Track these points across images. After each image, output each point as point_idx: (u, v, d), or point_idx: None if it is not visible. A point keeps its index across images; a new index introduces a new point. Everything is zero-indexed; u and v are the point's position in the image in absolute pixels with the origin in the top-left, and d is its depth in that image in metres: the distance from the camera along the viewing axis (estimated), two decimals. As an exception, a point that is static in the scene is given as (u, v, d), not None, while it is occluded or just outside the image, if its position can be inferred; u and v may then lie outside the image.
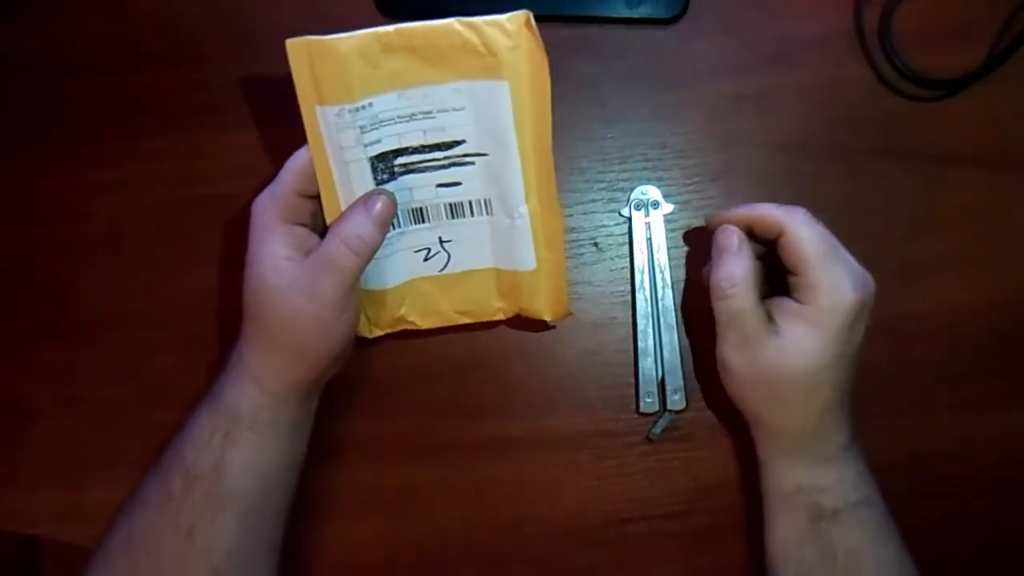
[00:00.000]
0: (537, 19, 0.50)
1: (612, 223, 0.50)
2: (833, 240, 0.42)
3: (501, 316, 0.48)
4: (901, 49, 0.50)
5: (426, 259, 0.46)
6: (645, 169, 0.50)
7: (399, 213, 0.44)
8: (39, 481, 0.49)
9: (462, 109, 0.43)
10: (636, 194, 0.50)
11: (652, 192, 0.50)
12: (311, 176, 0.42)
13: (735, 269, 0.42)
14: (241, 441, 0.40)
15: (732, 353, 0.42)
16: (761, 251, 0.44)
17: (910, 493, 0.48)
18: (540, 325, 0.48)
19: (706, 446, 0.49)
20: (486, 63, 0.42)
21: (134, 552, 0.40)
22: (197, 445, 0.40)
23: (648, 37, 0.51)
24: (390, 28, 0.41)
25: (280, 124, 0.50)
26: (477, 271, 0.47)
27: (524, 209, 0.44)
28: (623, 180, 0.50)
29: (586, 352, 0.50)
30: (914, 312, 0.49)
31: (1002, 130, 0.50)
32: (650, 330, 0.49)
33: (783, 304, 0.42)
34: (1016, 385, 0.49)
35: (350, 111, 0.41)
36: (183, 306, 0.50)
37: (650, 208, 0.49)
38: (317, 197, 0.43)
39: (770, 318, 0.42)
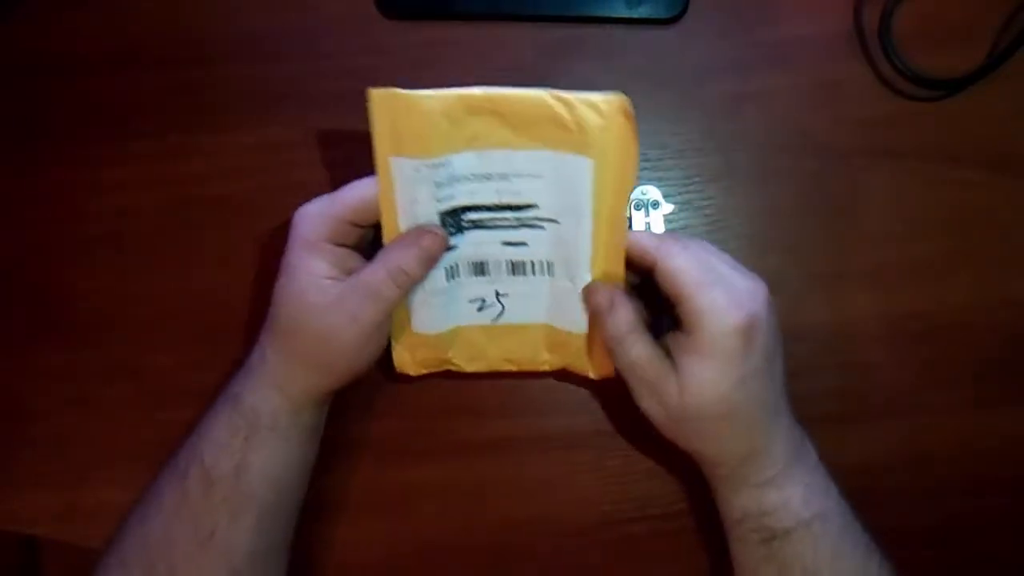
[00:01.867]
0: (538, 19, 0.50)
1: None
2: (709, 259, 0.41)
3: (547, 368, 0.48)
4: (901, 49, 0.50)
5: (480, 309, 0.46)
6: (645, 169, 0.50)
7: (460, 265, 0.45)
8: (39, 481, 0.49)
9: (540, 177, 0.43)
10: (636, 194, 0.50)
11: (652, 192, 0.50)
12: (371, 210, 0.41)
13: (613, 328, 0.42)
14: (262, 444, 0.40)
15: (645, 403, 0.42)
16: (637, 280, 0.44)
17: (910, 493, 0.48)
18: (583, 379, 0.48)
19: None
20: (574, 139, 0.41)
21: (150, 554, 0.40)
22: (216, 448, 0.40)
23: (648, 37, 0.51)
24: (477, 91, 0.40)
25: (280, 124, 0.51)
26: (529, 325, 0.47)
27: (587, 278, 0.44)
28: (623, 180, 0.50)
29: (586, 352, 0.50)
30: (914, 312, 0.49)
31: (1002, 130, 0.50)
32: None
33: (675, 339, 0.41)
34: (1016, 385, 0.49)
35: (427, 167, 0.41)
36: (183, 306, 0.50)
37: (650, 208, 0.49)
38: (365, 230, 0.43)
39: (669, 355, 0.41)
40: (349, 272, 0.41)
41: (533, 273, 0.45)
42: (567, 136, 0.41)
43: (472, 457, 0.49)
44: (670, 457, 0.49)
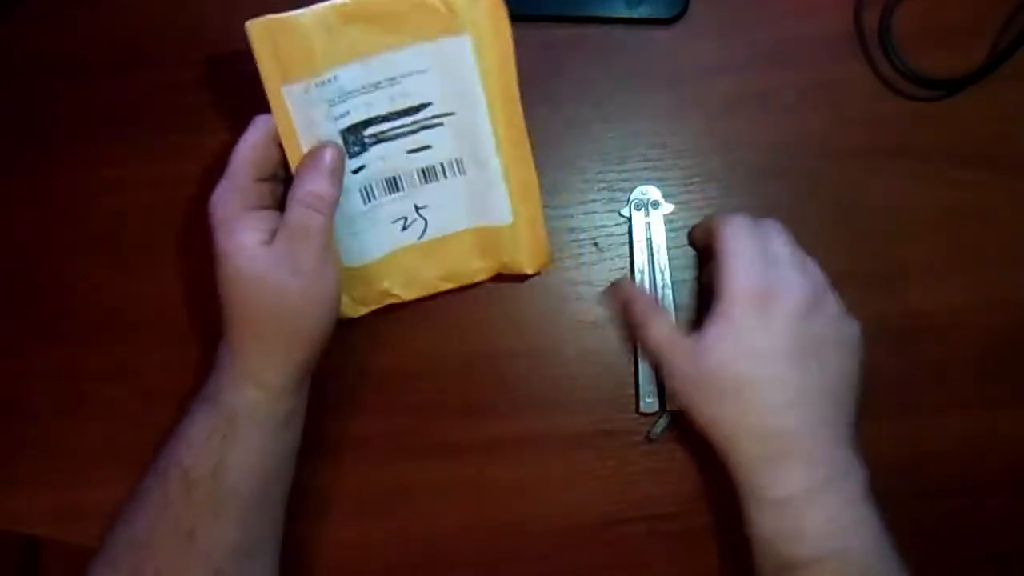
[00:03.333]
0: (538, 19, 0.50)
1: (612, 223, 0.50)
2: (764, 244, 0.42)
3: (483, 276, 0.48)
4: (901, 49, 0.50)
5: (404, 228, 0.46)
6: (645, 169, 0.50)
7: (373, 185, 0.45)
8: (39, 481, 0.49)
9: (425, 71, 0.43)
10: (636, 194, 0.49)
11: (652, 192, 0.50)
12: (265, 159, 0.41)
13: (635, 316, 0.45)
14: (240, 441, 0.40)
15: (672, 383, 0.43)
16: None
17: (910, 493, 0.48)
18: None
19: (706, 446, 0.49)
20: (445, 21, 0.42)
21: (136, 555, 0.40)
22: (194, 449, 0.40)
23: (648, 37, 0.51)
24: (345, 0, 0.41)
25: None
26: (455, 234, 0.47)
27: (496, 162, 0.45)
28: (623, 180, 0.50)
29: (586, 352, 0.50)
30: (914, 312, 0.49)
31: (1002, 130, 0.50)
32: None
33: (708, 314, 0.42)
34: (1016, 385, 0.49)
35: (316, 86, 0.42)
36: (183, 306, 0.50)
37: (650, 208, 0.49)
38: (274, 178, 0.42)
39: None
40: (268, 223, 0.40)
41: (445, 176, 0.45)
42: (439, 21, 0.42)
43: (471, 457, 0.49)
44: (670, 458, 0.49)
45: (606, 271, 0.50)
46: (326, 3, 0.41)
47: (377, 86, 0.43)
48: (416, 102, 0.44)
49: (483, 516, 0.49)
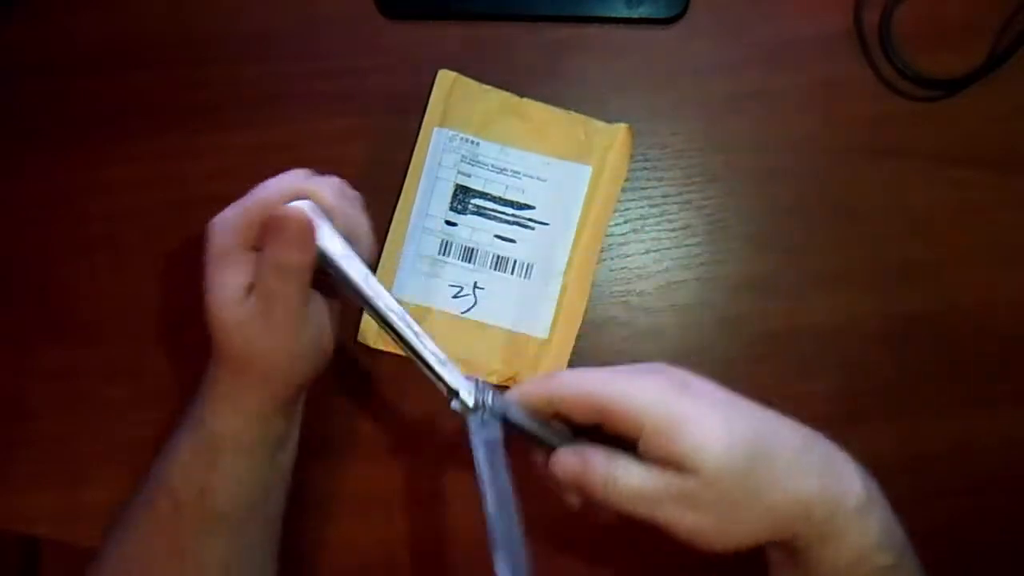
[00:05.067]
0: (538, 19, 0.50)
1: (612, 223, 0.50)
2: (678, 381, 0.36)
3: (494, 379, 0.48)
4: (901, 49, 0.50)
5: (455, 296, 0.49)
6: (645, 169, 0.50)
7: (453, 244, 0.49)
8: (39, 481, 0.49)
9: (545, 180, 0.49)
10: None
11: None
12: (287, 197, 0.39)
13: (593, 477, 0.36)
14: (224, 466, 0.39)
15: (678, 523, 0.35)
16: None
17: (910, 493, 0.48)
18: None
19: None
20: (580, 148, 0.49)
21: (129, 570, 0.40)
22: (182, 471, 0.39)
23: (648, 37, 0.51)
24: (518, 97, 0.49)
25: (280, 124, 0.51)
26: (493, 327, 0.49)
27: (559, 281, 0.49)
28: (623, 180, 0.50)
29: (586, 351, 0.50)
30: (914, 312, 0.49)
31: (1002, 130, 0.50)
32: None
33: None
34: (1016, 385, 0.49)
35: (462, 139, 0.49)
36: (183, 306, 0.50)
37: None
38: None
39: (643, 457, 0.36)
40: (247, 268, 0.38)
41: (512, 272, 0.49)
42: (576, 146, 0.49)
43: (471, 457, 0.49)
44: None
45: (606, 271, 0.50)
46: (501, 91, 0.49)
47: (502, 171, 0.49)
48: (525, 200, 0.49)
49: (483, 516, 0.49)
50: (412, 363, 0.39)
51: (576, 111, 0.50)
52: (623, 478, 0.36)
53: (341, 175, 0.50)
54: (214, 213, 0.49)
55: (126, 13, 0.52)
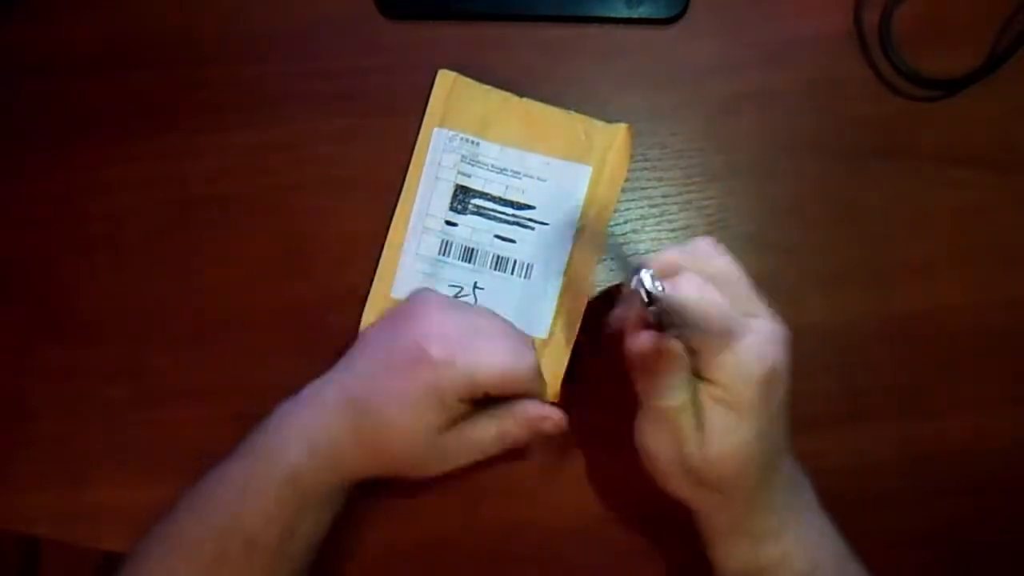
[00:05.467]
0: (538, 19, 0.50)
1: (612, 223, 0.50)
2: (734, 290, 0.38)
3: None
4: (901, 49, 0.50)
5: (455, 296, 0.48)
6: (644, 169, 0.50)
7: (454, 244, 0.48)
8: (39, 481, 0.49)
9: (545, 181, 0.49)
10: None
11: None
12: (517, 388, 0.43)
13: (662, 380, 0.38)
14: (310, 515, 0.41)
15: (657, 446, 0.39)
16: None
17: (910, 493, 0.48)
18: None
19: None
20: (580, 148, 0.49)
21: None
22: (264, 518, 0.40)
23: (648, 37, 0.51)
24: (518, 97, 0.49)
25: (280, 124, 0.51)
26: None
27: (559, 282, 0.48)
28: (623, 180, 0.50)
29: (586, 352, 0.49)
30: (914, 312, 0.49)
31: (1002, 130, 0.50)
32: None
33: (700, 389, 0.38)
34: (1016, 385, 0.49)
35: (461, 139, 0.49)
36: (183, 306, 0.50)
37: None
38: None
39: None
40: (456, 421, 0.42)
41: (512, 272, 0.48)
42: (576, 147, 0.49)
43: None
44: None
45: (606, 271, 0.50)
46: (502, 92, 0.49)
47: (502, 171, 0.49)
48: (525, 200, 0.49)
49: (483, 516, 0.49)
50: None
51: (576, 111, 0.50)
52: (674, 400, 0.38)
53: (341, 175, 0.51)
54: (214, 213, 0.50)
55: (126, 13, 0.52)
